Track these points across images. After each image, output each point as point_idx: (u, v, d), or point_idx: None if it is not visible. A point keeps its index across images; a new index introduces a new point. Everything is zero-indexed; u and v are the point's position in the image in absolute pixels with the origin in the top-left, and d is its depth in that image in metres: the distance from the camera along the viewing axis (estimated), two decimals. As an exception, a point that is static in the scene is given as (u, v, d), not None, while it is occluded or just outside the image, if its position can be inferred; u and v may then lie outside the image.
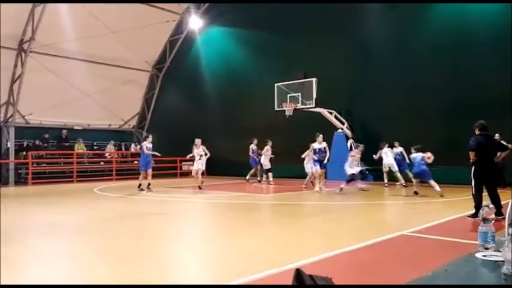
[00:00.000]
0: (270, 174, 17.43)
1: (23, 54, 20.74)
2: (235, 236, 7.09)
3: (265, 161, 17.43)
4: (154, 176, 23.75)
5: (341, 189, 12.90)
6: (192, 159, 16.19)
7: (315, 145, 14.91)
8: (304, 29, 19.68)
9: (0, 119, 21.41)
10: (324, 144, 15.20)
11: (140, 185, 15.13)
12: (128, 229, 7.79)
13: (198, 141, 15.67)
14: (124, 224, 8.43)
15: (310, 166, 14.59)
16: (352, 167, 13.31)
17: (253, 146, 18.32)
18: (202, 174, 16.31)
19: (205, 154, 15.63)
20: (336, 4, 18.28)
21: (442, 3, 16.30)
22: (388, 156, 15.05)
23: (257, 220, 9.11)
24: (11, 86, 21.05)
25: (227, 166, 21.13)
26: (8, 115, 21.40)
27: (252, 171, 18.48)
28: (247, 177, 18.41)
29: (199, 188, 15.19)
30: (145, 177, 15.32)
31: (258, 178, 18.49)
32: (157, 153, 15.91)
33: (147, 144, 15.28)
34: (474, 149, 8.07)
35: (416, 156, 11.77)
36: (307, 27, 19.52)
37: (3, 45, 20.14)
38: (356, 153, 13.79)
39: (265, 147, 17.38)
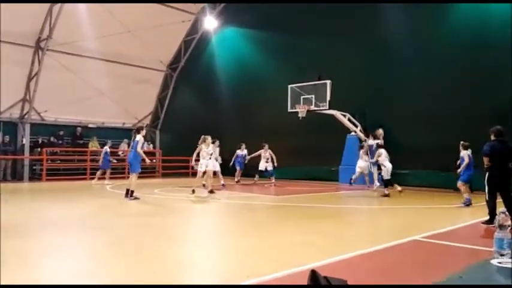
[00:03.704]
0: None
1: (40, 52, 21.01)
2: (246, 236, 7.09)
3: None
4: (166, 175, 24.08)
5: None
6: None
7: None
8: (319, 30, 19.60)
9: (16, 115, 21.72)
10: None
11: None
12: (140, 227, 7.83)
13: (208, 138, 13.73)
14: (135, 221, 8.49)
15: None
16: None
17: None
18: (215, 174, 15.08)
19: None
20: (352, 4, 18.20)
21: (461, 3, 16.00)
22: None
23: (268, 221, 9.10)
24: (27, 83, 21.35)
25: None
26: (24, 112, 21.72)
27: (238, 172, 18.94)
28: (237, 178, 18.82)
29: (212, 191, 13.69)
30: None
31: (237, 179, 18.85)
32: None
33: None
34: (488, 154, 7.98)
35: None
36: (322, 28, 19.42)
37: (20, 42, 20.47)
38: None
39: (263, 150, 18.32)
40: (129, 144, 24.85)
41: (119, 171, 22.40)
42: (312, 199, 13.09)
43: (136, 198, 11.89)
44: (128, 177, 13.21)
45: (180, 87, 26.89)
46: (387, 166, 13.21)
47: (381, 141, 14.22)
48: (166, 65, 26.75)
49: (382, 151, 13.39)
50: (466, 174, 11.00)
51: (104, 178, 18.75)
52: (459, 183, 11.02)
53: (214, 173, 13.52)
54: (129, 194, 11.96)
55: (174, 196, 13.37)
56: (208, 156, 13.47)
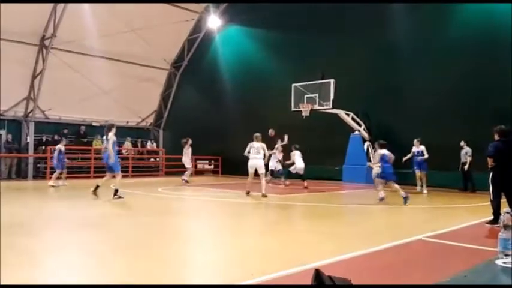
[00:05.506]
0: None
1: (44, 51, 21.11)
2: (250, 235, 7.10)
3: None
4: (170, 174, 24.10)
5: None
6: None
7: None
8: (322, 29, 19.60)
9: (20, 113, 21.80)
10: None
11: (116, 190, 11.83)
12: (144, 226, 7.85)
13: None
14: (140, 220, 8.50)
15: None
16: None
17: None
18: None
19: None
20: (356, 4, 18.20)
21: (465, 3, 15.98)
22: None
23: (272, 220, 9.12)
24: (31, 82, 21.43)
25: (243, 165, 21.15)
26: (28, 110, 21.79)
27: None
28: None
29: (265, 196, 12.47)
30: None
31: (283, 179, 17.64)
32: None
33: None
34: (492, 155, 7.95)
35: None
36: (326, 28, 19.43)
37: (25, 41, 20.54)
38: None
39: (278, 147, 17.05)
40: (132, 143, 24.98)
41: (122, 170, 22.42)
42: (315, 198, 13.10)
43: (119, 197, 11.46)
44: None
45: (183, 86, 26.94)
46: (296, 164, 15.75)
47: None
48: (170, 63, 26.80)
49: (296, 152, 15.90)
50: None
51: (61, 178, 16.91)
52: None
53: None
54: (114, 193, 11.50)
55: (178, 195, 13.41)
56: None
